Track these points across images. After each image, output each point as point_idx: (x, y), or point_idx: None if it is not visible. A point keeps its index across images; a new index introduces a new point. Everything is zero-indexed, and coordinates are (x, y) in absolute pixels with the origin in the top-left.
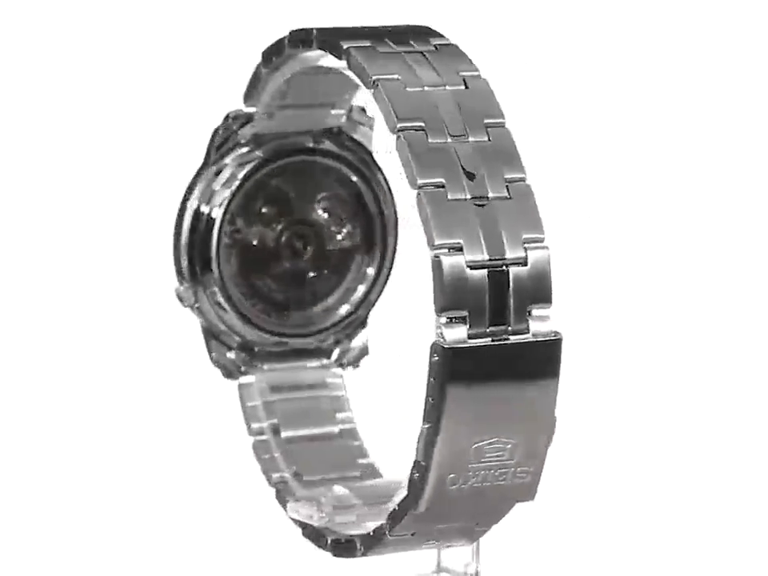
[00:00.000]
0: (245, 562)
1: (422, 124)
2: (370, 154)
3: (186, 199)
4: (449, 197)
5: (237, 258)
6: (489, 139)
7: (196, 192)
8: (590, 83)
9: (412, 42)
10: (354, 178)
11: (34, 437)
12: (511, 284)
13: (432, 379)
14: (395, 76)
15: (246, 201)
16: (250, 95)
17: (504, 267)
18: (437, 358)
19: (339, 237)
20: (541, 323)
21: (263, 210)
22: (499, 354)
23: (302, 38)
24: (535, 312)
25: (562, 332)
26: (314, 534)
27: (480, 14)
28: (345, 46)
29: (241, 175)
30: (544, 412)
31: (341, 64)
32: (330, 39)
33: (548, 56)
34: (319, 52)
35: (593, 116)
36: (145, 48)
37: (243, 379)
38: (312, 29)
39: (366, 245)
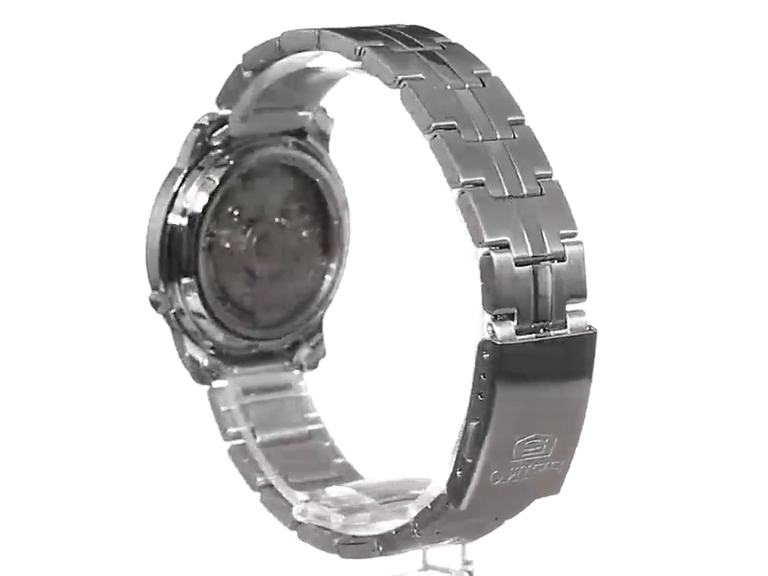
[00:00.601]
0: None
1: (455, 123)
2: (327, 151)
3: (159, 204)
4: (491, 194)
5: (213, 263)
6: (514, 136)
7: (170, 197)
8: (571, 79)
9: (419, 42)
10: (317, 180)
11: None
12: (552, 279)
13: (481, 376)
14: (419, 75)
15: (221, 205)
16: (226, 98)
17: (545, 263)
18: (488, 356)
19: (305, 237)
20: (578, 318)
21: (236, 214)
22: (543, 350)
23: (298, 39)
24: (572, 307)
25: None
26: (316, 537)
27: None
28: (359, 47)
29: (216, 179)
30: (579, 405)
31: (349, 64)
32: (341, 40)
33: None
34: (311, 53)
35: (581, 112)
36: (113, 52)
37: (216, 384)
38: (313, 30)
39: (327, 244)
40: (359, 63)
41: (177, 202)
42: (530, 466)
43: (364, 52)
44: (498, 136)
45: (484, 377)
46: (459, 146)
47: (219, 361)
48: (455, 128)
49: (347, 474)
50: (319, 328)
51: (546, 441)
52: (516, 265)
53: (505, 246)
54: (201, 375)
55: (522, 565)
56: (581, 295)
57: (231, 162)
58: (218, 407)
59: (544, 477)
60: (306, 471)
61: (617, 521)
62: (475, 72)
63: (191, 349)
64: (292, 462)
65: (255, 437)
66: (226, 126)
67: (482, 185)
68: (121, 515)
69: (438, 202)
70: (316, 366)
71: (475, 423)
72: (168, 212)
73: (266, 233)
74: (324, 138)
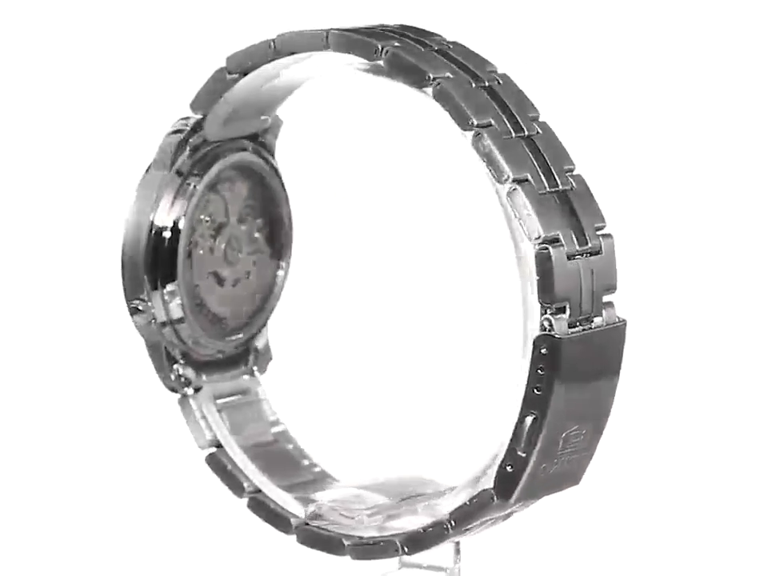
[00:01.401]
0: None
1: (492, 120)
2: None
3: (139, 210)
4: (536, 190)
5: (191, 270)
6: (538, 132)
7: (151, 203)
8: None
9: (426, 41)
10: (271, 181)
11: None
12: (593, 272)
13: (538, 370)
14: (447, 74)
15: (197, 211)
16: (204, 103)
17: (585, 256)
18: (546, 350)
19: (260, 238)
20: (610, 310)
21: (208, 219)
22: (589, 342)
23: (300, 41)
24: (606, 299)
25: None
26: (319, 539)
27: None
28: (380, 46)
29: (196, 185)
30: (610, 394)
31: (357, 65)
32: (358, 40)
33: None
34: (303, 55)
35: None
36: (89, 54)
37: (189, 391)
38: (320, 30)
39: (277, 246)
40: (375, 63)
41: (159, 208)
42: (567, 457)
43: (387, 51)
44: (526, 132)
45: (541, 371)
46: (502, 143)
47: (190, 368)
48: (492, 125)
49: (320, 475)
50: (264, 330)
51: (584, 432)
52: (567, 259)
53: (556, 241)
54: (175, 384)
55: (509, 561)
56: (613, 287)
57: (205, 168)
58: (191, 415)
59: (574, 467)
60: (287, 474)
61: (614, 519)
62: (488, 70)
63: (166, 358)
64: (273, 466)
65: (235, 442)
66: (201, 131)
67: (527, 180)
68: (103, 527)
69: None
70: (265, 369)
71: (531, 417)
72: (150, 219)
73: (232, 237)
74: (274, 139)
